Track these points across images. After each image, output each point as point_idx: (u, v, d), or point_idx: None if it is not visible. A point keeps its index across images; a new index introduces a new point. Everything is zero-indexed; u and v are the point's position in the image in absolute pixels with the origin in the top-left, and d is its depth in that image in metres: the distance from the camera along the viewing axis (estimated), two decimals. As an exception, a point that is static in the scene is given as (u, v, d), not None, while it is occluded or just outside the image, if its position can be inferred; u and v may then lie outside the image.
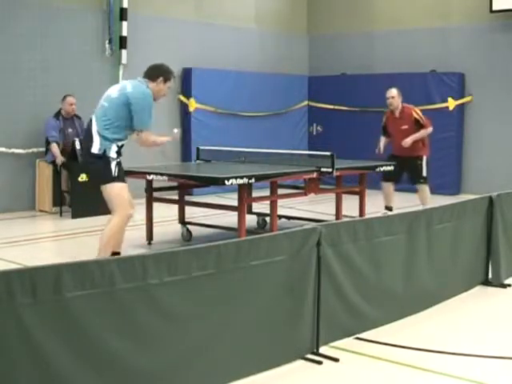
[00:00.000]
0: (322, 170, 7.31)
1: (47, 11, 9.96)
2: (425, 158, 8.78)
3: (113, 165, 5.70)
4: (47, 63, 9.97)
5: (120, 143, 5.79)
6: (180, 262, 3.42)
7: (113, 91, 5.85)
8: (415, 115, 8.73)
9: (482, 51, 11.98)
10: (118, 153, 5.77)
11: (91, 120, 5.84)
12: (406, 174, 8.88)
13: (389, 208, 9.03)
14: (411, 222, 4.91)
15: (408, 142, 8.54)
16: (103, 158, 5.69)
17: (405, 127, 8.66)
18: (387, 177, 8.74)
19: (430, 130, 8.78)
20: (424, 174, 8.74)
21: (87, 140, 5.82)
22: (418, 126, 8.70)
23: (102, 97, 5.90)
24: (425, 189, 8.76)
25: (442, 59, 12.31)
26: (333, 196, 8.30)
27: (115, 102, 5.72)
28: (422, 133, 8.69)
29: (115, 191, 5.68)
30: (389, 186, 8.95)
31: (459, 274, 5.52)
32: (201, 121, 11.90)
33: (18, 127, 9.72)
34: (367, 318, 4.55)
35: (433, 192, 9.46)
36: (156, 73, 5.90)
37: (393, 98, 8.75)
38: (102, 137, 5.68)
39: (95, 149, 5.68)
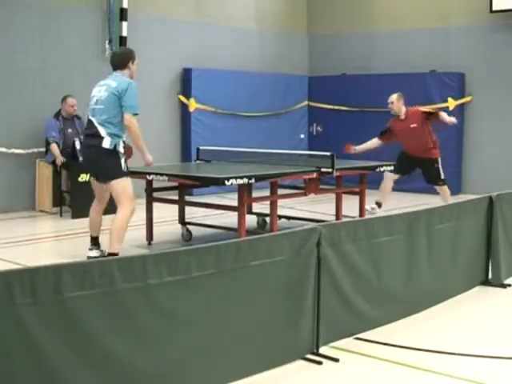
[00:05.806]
0: (322, 170, 7.31)
1: (47, 11, 9.96)
2: (439, 160, 8.86)
3: (122, 160, 6.04)
4: (47, 63, 9.96)
5: (124, 137, 6.12)
6: (180, 262, 3.42)
7: (100, 93, 6.10)
8: (422, 110, 8.83)
9: (482, 51, 11.98)
10: (124, 148, 6.11)
11: (91, 121, 6.07)
12: (420, 173, 8.97)
13: (379, 204, 9.03)
14: (411, 222, 4.90)
15: (453, 120, 8.64)
16: (114, 153, 6.01)
17: (413, 125, 8.76)
18: (396, 168, 8.58)
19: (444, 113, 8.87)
20: (442, 176, 8.87)
21: (95, 138, 6.03)
22: (432, 117, 8.74)
23: (93, 99, 6.14)
24: (445, 189, 8.90)
25: (442, 59, 12.31)
26: (333, 196, 8.29)
27: (109, 101, 6.01)
28: (444, 115, 8.72)
29: (124, 186, 6.00)
30: (392, 179, 8.95)
31: (459, 274, 5.52)
32: (201, 121, 11.89)
33: (18, 127, 9.72)
34: (367, 318, 4.55)
35: (433, 192, 9.48)
36: (122, 59, 6.24)
37: (392, 103, 8.83)
38: (110, 134, 5.98)
39: (106, 144, 5.97)
